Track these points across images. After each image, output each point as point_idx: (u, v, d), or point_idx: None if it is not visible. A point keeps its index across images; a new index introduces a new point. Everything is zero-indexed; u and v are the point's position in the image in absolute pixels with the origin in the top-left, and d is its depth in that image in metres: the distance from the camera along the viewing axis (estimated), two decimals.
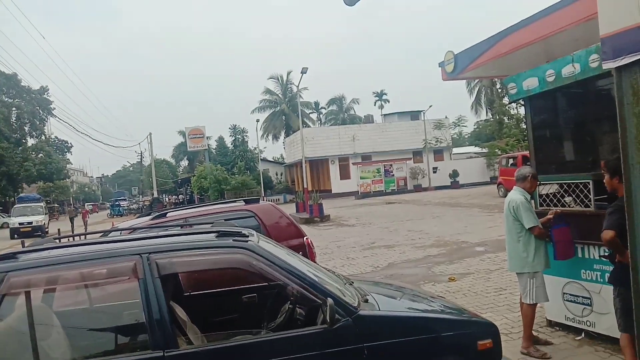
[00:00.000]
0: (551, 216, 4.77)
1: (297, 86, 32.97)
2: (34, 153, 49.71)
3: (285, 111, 55.88)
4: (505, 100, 35.35)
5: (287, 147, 50.53)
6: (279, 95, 57.35)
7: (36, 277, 2.85)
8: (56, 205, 55.49)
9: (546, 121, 5.69)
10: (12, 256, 2.92)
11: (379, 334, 2.94)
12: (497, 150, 33.55)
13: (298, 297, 3.22)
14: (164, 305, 2.78)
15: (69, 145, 60.77)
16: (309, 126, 53.11)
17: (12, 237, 26.71)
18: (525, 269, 4.70)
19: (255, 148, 53.15)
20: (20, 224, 28.49)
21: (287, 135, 53.71)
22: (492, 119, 41.83)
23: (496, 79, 33.04)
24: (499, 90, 40.09)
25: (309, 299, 2.98)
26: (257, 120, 49.45)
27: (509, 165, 23.37)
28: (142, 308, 2.77)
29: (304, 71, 25.36)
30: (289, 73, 56.44)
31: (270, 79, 57.78)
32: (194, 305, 3.82)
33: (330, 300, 2.80)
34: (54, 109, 51.58)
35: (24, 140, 51.66)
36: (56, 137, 58.97)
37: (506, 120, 35.83)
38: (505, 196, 5.05)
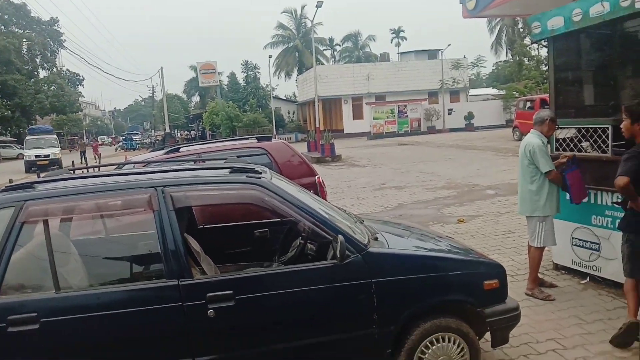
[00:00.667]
0: (564, 160, 4.73)
1: (312, 21, 32.07)
2: (46, 85, 49.65)
3: (298, 47, 54.54)
4: (527, 40, 34.19)
5: (299, 85, 49.78)
6: (293, 30, 55.76)
7: (54, 206, 2.91)
8: (76, 137, 55.54)
9: (568, 63, 5.51)
10: (29, 186, 2.98)
11: (388, 271, 3.01)
12: (515, 92, 32.76)
13: (309, 233, 3.28)
14: (178, 236, 2.84)
15: (81, 78, 60.67)
16: (322, 64, 51.95)
17: (27, 171, 25.97)
18: (536, 212, 4.71)
19: (267, 85, 52.48)
20: (37, 156, 27.52)
21: (300, 72, 52.71)
22: (511, 60, 40.59)
23: (519, 18, 31.76)
24: (521, 30, 38.67)
25: (320, 235, 3.04)
26: (270, 57, 48.52)
27: (526, 108, 22.91)
28: (157, 239, 2.84)
29: (319, 5, 24.49)
30: (303, 7, 54.76)
31: (283, 13, 56.06)
32: (207, 238, 3.91)
33: (340, 237, 2.85)
34: (65, 40, 51.07)
35: (35, 73, 51.53)
36: (68, 70, 58.73)
37: (526, 62, 34.79)
38: (521, 140, 4.98)
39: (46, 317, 2.62)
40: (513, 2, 5.87)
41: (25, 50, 49.72)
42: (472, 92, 47.03)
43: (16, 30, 50.18)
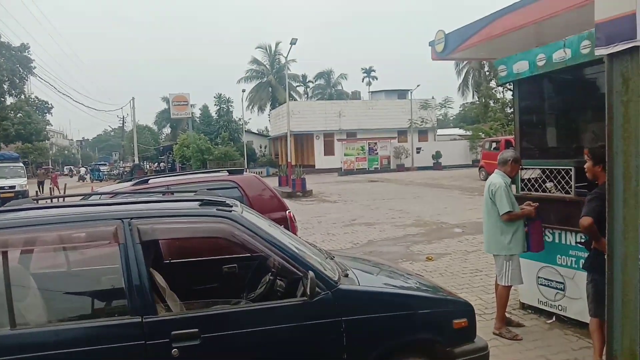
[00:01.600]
0: (531, 209, 4.78)
1: (286, 57, 32.56)
2: (12, 112, 48.46)
3: (272, 83, 55.18)
4: (493, 83, 35.44)
5: (272, 119, 50.12)
6: (267, 66, 56.52)
7: (13, 237, 2.80)
8: (49, 167, 53.32)
9: (533, 106, 5.73)
10: None
11: (358, 309, 2.98)
12: (480, 133, 33.75)
13: (279, 268, 3.23)
14: (144, 271, 2.76)
15: (50, 106, 59.34)
16: (295, 99, 52.59)
17: None
18: (503, 251, 4.77)
19: (240, 119, 52.55)
20: (0, 188, 23.60)
21: (273, 107, 53.17)
22: (478, 102, 41.95)
23: (484, 62, 33.05)
24: (487, 72, 40.08)
25: (290, 271, 2.99)
26: (243, 91, 48.81)
27: (492, 149, 23.59)
28: (121, 273, 2.75)
29: (293, 42, 24.97)
30: (277, 44, 55.61)
31: (258, 49, 56.82)
32: (174, 273, 3.81)
33: (311, 273, 2.81)
34: (35, 67, 50.12)
35: (2, 99, 50.21)
36: (36, 97, 57.48)
37: (492, 104, 35.96)
38: (486, 179, 5.09)
39: (1, 355, 2.47)
40: (479, 46, 6.11)
41: None
42: (440, 132, 48.22)
43: None
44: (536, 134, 5.83)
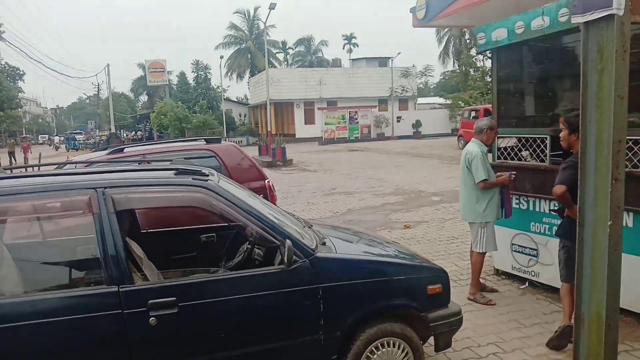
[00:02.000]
0: (506, 176, 4.85)
1: (265, 23, 31.87)
2: None
3: (251, 49, 54.13)
4: (473, 51, 35.36)
5: (251, 87, 49.38)
6: (245, 31, 55.30)
7: None
8: (24, 136, 51.81)
9: (511, 75, 5.74)
10: None
11: (335, 276, 3.01)
12: (460, 102, 33.85)
13: (257, 237, 3.23)
14: (119, 240, 2.73)
15: (21, 72, 57.56)
16: (275, 67, 51.84)
17: None
18: (478, 219, 4.86)
19: (218, 86, 51.62)
20: None
21: (252, 74, 52.30)
22: (458, 70, 41.92)
23: (466, 30, 32.90)
24: (468, 41, 39.91)
25: (268, 239, 3.00)
26: (221, 57, 47.77)
27: (471, 117, 23.70)
28: (96, 243, 2.72)
29: (272, 7, 24.46)
30: (256, 9, 54.29)
31: (236, 14, 55.43)
32: (151, 243, 3.79)
33: (288, 242, 2.82)
34: (4, 32, 48.21)
35: None
36: (7, 63, 55.59)
37: (472, 73, 35.97)
38: None
39: None
40: (460, 13, 6.06)
41: None
42: (420, 100, 48.24)
43: None
44: (514, 102, 5.87)
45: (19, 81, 58.13)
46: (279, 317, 2.92)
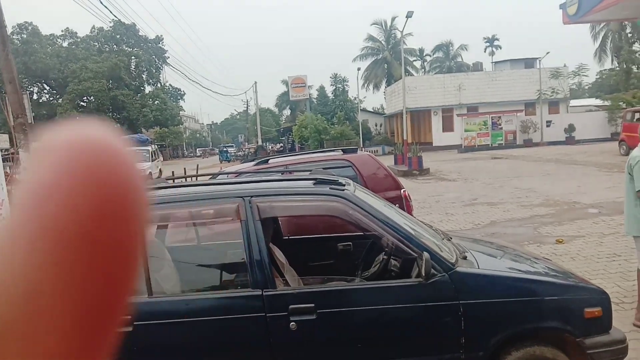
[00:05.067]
0: None
1: (402, 32, 31.73)
2: (150, 100, 53.68)
3: (387, 59, 54.43)
4: (636, 46, 31.50)
5: (387, 97, 49.50)
6: (382, 42, 55.80)
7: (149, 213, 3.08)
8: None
9: None
10: None
11: (477, 293, 2.86)
12: (621, 103, 30.21)
13: (393, 248, 3.20)
14: (263, 246, 2.89)
15: (182, 92, 64.65)
16: (412, 75, 51.34)
17: None
18: None
19: (355, 98, 52.73)
20: None
21: (388, 84, 52.47)
22: (618, 68, 37.58)
23: (626, 22, 29.37)
24: (629, 35, 35.68)
25: (404, 251, 2.95)
26: (358, 69, 48.73)
27: (635, 120, 21.00)
28: (243, 248, 2.91)
29: (409, 15, 24.26)
30: (393, 19, 54.44)
31: (373, 25, 56.27)
32: (292, 249, 3.96)
33: (426, 254, 2.74)
34: (168, 57, 54.91)
35: (142, 88, 55.93)
36: (170, 85, 62.95)
37: (635, 70, 32.00)
38: (628, 154, 4.56)
39: (139, 320, 2.77)
40: (621, 5, 5.44)
41: (133, 67, 54.23)
42: (573, 102, 44.13)
43: (126, 48, 54.96)
44: None
45: (180, 100, 65.38)
46: (416, 331, 2.85)
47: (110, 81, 49.10)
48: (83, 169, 0.21)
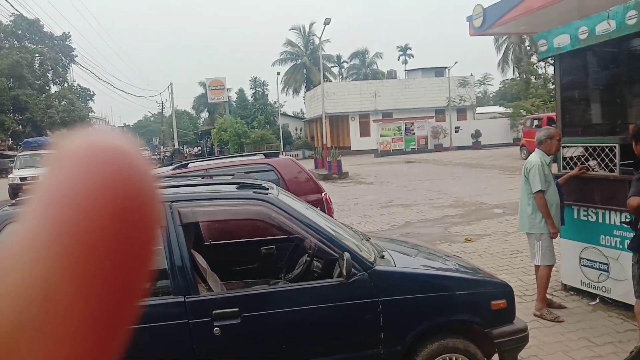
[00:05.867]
0: (577, 173, 4.74)
1: (320, 38, 32.25)
2: (57, 100, 50.23)
3: (306, 64, 55.01)
4: (534, 58, 34.21)
5: (307, 101, 50.05)
6: (301, 47, 56.32)
7: None
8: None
9: (575, 81, 5.53)
10: (15, 204, 3.00)
11: (394, 290, 3.00)
12: (522, 110, 32.63)
13: (316, 250, 3.27)
14: (185, 252, 2.85)
15: (92, 93, 61.13)
16: (330, 80, 52.25)
17: (12, 198, 18.04)
18: (533, 229, 4.71)
19: (275, 102, 52.72)
20: (22, 179, 19.74)
21: (307, 89, 53.05)
22: (518, 78, 40.64)
23: (525, 36, 31.88)
24: (528, 47, 38.74)
25: (326, 252, 3.03)
26: (278, 73, 48.85)
27: (533, 126, 22.77)
28: (164, 254, 2.85)
29: (326, 22, 24.71)
30: (311, 24, 55.16)
31: (291, 30, 56.58)
32: (214, 255, 3.92)
33: (347, 255, 2.84)
34: (76, 56, 51.77)
35: (47, 87, 52.23)
36: (79, 85, 59.29)
37: (533, 80, 34.74)
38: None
39: None
40: (519, 21, 5.92)
41: (37, 65, 50.51)
42: (479, 110, 47.02)
43: (29, 45, 51.09)
44: (579, 110, 5.64)
45: (90, 101, 61.76)
46: (338, 329, 2.93)
47: (11, 80, 45.33)
48: (100, 174, 0.22)
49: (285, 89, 57.43)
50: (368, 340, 2.95)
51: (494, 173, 18.92)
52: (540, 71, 33.97)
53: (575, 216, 4.99)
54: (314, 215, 3.32)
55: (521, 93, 36.40)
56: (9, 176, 21.94)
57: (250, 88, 53.78)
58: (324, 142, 26.80)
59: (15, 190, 19.44)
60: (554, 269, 4.89)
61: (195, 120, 78.34)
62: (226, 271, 3.81)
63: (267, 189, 3.22)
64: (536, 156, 4.70)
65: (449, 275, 3.39)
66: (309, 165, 22.94)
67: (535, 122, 23.13)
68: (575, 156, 5.11)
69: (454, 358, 3.06)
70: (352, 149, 39.43)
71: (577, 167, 4.88)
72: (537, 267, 4.87)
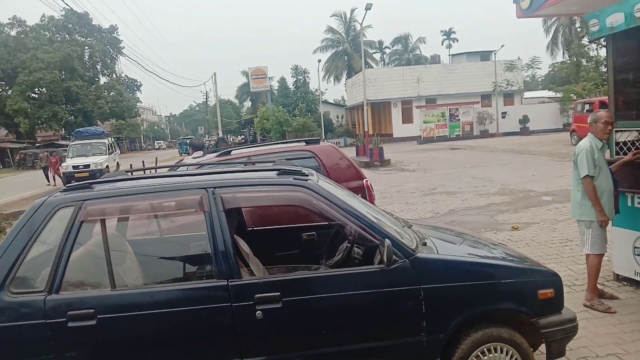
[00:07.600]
0: (631, 158, 4.52)
1: (361, 24, 31.86)
2: (106, 91, 51.94)
3: (347, 51, 54.59)
4: (585, 40, 32.73)
5: (348, 89, 49.74)
6: (342, 34, 55.88)
7: (110, 206, 3.03)
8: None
9: (630, 63, 5.22)
10: (88, 186, 3.12)
11: (437, 277, 2.95)
12: (572, 94, 31.36)
13: (356, 236, 3.25)
14: (228, 237, 2.89)
15: (139, 83, 62.84)
16: (372, 67, 51.70)
17: (66, 184, 15.16)
18: (583, 216, 4.53)
19: (316, 90, 52.71)
20: (74, 167, 21.52)
21: (349, 76, 52.70)
22: (569, 61, 38.97)
23: (576, 17, 30.48)
24: (579, 29, 37.07)
25: (367, 239, 3.01)
26: (319, 61, 48.65)
27: (584, 111, 21.87)
28: (207, 240, 2.90)
29: (368, 7, 24.38)
30: (352, 10, 54.57)
31: (333, 17, 56.24)
32: (256, 240, 3.97)
33: (387, 241, 2.81)
34: (124, 47, 53.35)
35: (96, 79, 54.11)
36: (126, 76, 61.10)
37: (584, 63, 33.26)
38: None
39: (103, 313, 2.73)
40: (569, 0, 5.63)
41: (87, 57, 52.35)
42: (527, 94, 45.52)
43: (79, 38, 52.93)
44: (633, 93, 5.33)
45: (137, 92, 63.51)
46: (379, 316, 2.92)
47: (63, 72, 47.23)
48: None
49: (327, 77, 57.32)
50: (409, 327, 2.92)
51: (542, 159, 18.30)
52: (592, 53, 32.48)
53: (629, 203, 4.75)
54: (355, 202, 3.30)
55: (571, 77, 34.94)
56: (62, 164, 22.90)
57: (292, 76, 54.00)
58: (366, 129, 26.63)
59: (68, 179, 19.80)
60: (605, 258, 4.70)
61: (238, 109, 79.48)
62: (268, 256, 3.85)
63: (307, 175, 3.22)
64: (586, 141, 4.52)
65: (493, 263, 3.31)
66: (350, 153, 22.86)
67: (587, 107, 22.20)
68: (629, 141, 4.86)
69: (498, 347, 2.99)
70: (394, 136, 39.02)
71: (631, 152, 4.64)
72: (587, 256, 4.69)
